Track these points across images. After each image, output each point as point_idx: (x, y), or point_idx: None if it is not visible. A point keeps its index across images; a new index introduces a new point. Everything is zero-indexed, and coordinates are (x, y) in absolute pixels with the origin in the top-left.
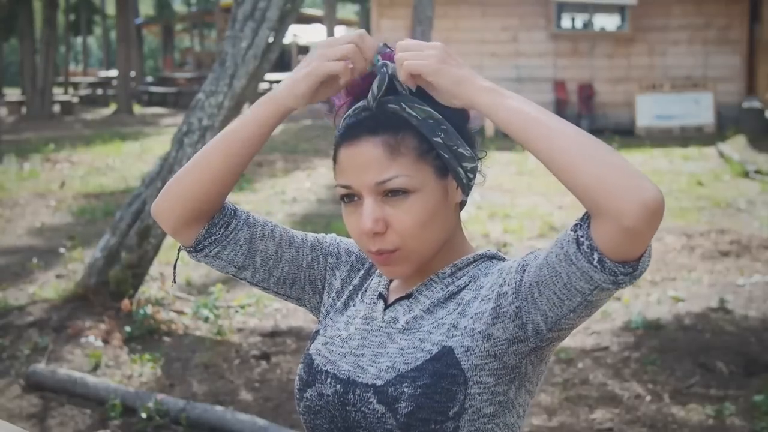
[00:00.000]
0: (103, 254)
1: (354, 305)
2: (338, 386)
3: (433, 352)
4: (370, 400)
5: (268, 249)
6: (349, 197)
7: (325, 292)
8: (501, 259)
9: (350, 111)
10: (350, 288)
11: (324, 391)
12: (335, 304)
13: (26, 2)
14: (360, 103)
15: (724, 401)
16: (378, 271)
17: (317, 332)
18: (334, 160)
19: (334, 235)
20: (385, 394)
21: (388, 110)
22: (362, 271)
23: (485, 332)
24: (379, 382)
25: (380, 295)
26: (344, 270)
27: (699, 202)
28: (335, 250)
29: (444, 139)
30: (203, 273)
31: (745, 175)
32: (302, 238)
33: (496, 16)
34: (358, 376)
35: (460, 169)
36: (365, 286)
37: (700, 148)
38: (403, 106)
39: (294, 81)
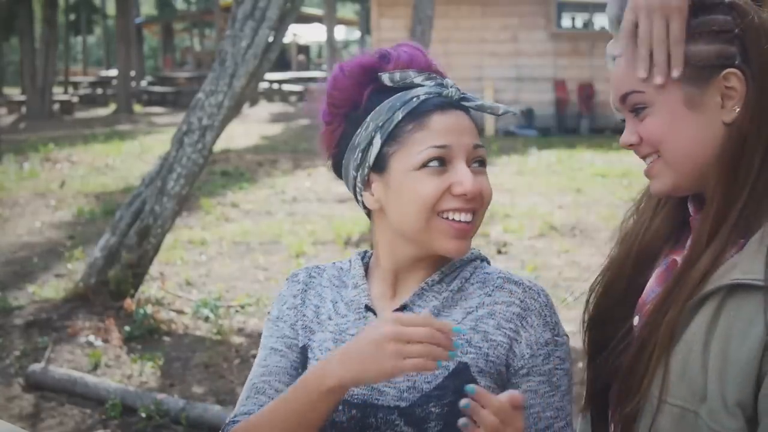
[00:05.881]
0: (103, 254)
1: (331, 319)
2: (354, 412)
3: (450, 368)
4: (397, 422)
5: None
6: (440, 161)
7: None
8: (484, 260)
9: (425, 90)
10: (312, 309)
11: (336, 419)
12: (310, 323)
13: (26, 2)
14: (435, 88)
15: None
16: (354, 282)
17: (305, 350)
18: (419, 126)
19: (279, 325)
20: (413, 416)
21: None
22: (304, 293)
23: (497, 365)
24: (403, 404)
25: (367, 308)
26: (302, 309)
27: None
28: (291, 322)
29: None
30: (203, 272)
31: None
32: (287, 355)
33: (496, 15)
34: (376, 399)
35: None
36: (331, 300)
37: None
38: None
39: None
